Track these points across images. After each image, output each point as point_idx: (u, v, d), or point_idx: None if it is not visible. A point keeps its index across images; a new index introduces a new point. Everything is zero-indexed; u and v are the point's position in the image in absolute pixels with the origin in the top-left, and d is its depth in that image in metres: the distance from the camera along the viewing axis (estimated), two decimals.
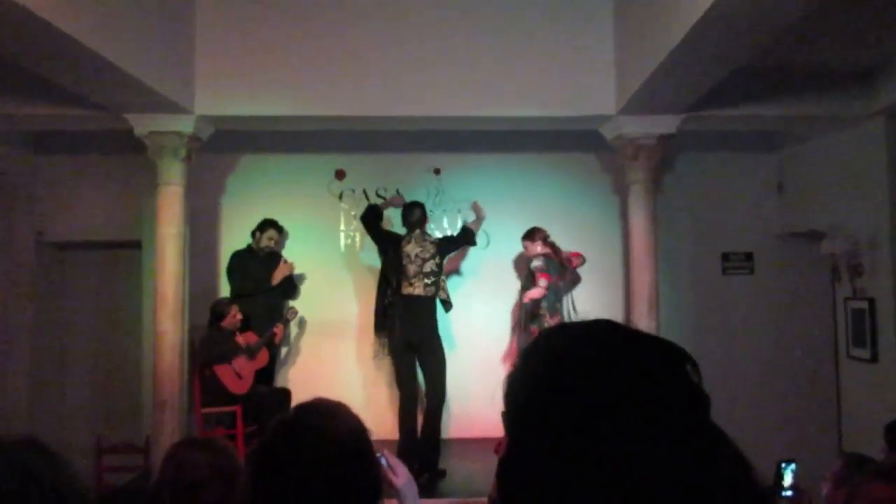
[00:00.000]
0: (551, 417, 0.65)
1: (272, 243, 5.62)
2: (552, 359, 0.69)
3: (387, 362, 5.23)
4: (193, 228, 5.49)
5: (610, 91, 4.93)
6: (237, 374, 5.01)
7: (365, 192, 6.05)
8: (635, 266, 5.29)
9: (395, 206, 5.34)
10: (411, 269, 4.98)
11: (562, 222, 5.60)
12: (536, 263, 5.15)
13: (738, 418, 5.21)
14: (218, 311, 5.14)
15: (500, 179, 6.07)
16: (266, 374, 5.39)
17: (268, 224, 5.61)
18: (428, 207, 5.85)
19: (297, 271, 5.77)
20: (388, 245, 5.06)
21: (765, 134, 6.03)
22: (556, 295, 5.09)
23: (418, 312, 4.89)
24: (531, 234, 5.36)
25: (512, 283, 5.99)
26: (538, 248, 5.27)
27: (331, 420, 1.24)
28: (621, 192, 5.76)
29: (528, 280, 5.22)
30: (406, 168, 6.05)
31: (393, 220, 5.59)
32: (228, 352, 5.01)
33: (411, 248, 5.03)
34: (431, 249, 5.06)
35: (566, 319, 5.02)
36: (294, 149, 6.02)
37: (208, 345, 5.01)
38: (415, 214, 5.11)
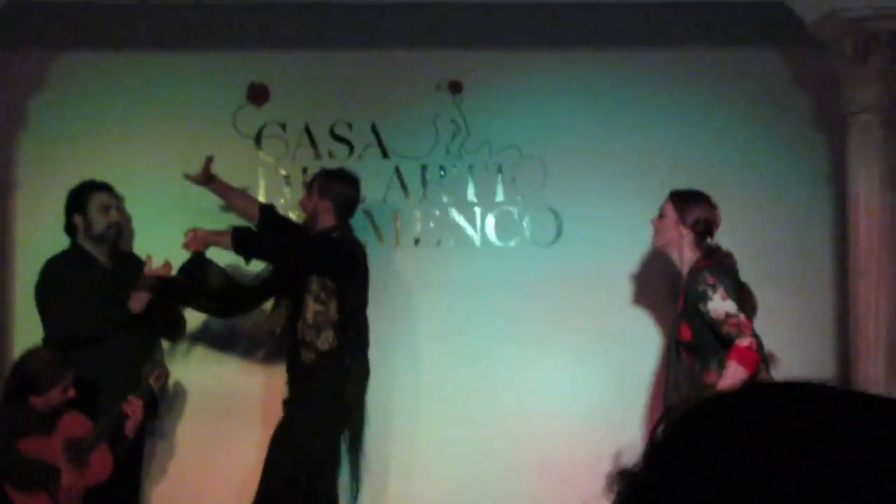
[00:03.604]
0: None
1: (112, 216, 5.69)
2: (722, 458, 0.80)
3: None
4: None
5: None
6: (52, 499, 5.01)
7: (308, 131, 6.07)
8: (862, 278, 5.31)
9: None
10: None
11: (708, 186, 5.40)
12: (704, 286, 5.01)
13: None
14: (33, 374, 5.11)
15: (577, 103, 6.11)
16: (112, 497, 5.33)
17: (90, 189, 5.66)
18: (440, 155, 6.06)
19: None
20: (356, 265, 5.59)
21: None
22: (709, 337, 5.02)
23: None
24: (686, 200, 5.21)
25: (621, 320, 5.94)
26: (679, 233, 5.15)
27: None
28: (833, 127, 5.79)
29: (689, 308, 5.12)
30: (393, 81, 6.09)
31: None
32: (44, 474, 4.99)
33: None
34: None
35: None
36: (167, 43, 6.05)
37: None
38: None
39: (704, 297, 4.89)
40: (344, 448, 5.55)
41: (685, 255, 5.07)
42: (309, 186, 5.59)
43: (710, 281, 4.89)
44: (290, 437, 5.33)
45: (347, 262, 5.44)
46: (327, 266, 5.40)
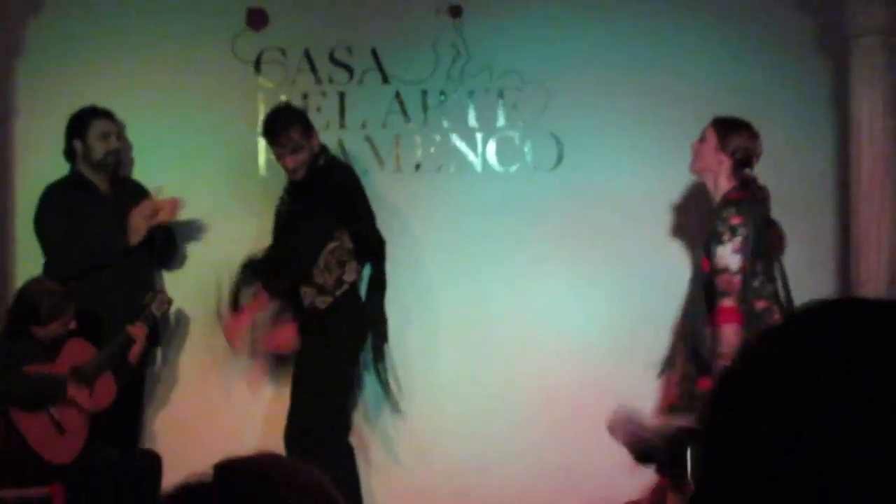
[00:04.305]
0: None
1: (112, 143, 5.67)
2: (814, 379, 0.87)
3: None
4: None
5: None
6: (56, 425, 5.05)
7: (308, 56, 6.07)
8: (864, 202, 5.35)
9: None
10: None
11: (707, 110, 5.35)
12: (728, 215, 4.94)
13: None
14: (35, 305, 5.12)
15: (577, 26, 6.10)
16: (114, 423, 5.38)
17: (91, 115, 5.63)
18: (440, 80, 6.04)
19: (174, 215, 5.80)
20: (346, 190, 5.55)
21: None
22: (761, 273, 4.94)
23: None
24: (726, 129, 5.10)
25: (623, 246, 5.94)
26: (721, 165, 5.02)
27: (288, 489, 1.26)
28: (836, 51, 5.78)
29: (714, 238, 5.04)
30: (393, 5, 6.09)
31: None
32: (50, 388, 5.05)
33: None
34: None
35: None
36: None
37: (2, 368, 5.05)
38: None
39: (719, 239, 4.82)
40: (372, 363, 5.62)
41: (720, 184, 4.97)
42: (284, 147, 5.39)
43: (733, 222, 4.79)
44: (325, 370, 5.36)
45: (340, 193, 5.42)
46: (325, 218, 5.35)
